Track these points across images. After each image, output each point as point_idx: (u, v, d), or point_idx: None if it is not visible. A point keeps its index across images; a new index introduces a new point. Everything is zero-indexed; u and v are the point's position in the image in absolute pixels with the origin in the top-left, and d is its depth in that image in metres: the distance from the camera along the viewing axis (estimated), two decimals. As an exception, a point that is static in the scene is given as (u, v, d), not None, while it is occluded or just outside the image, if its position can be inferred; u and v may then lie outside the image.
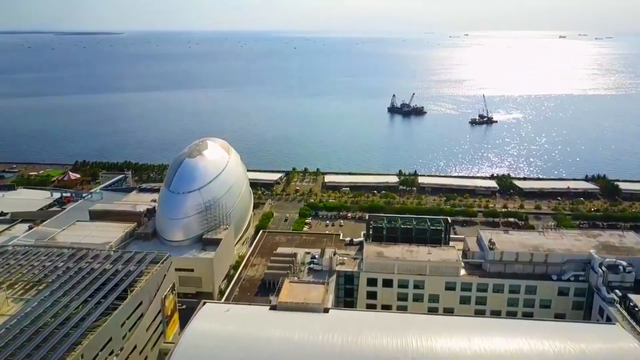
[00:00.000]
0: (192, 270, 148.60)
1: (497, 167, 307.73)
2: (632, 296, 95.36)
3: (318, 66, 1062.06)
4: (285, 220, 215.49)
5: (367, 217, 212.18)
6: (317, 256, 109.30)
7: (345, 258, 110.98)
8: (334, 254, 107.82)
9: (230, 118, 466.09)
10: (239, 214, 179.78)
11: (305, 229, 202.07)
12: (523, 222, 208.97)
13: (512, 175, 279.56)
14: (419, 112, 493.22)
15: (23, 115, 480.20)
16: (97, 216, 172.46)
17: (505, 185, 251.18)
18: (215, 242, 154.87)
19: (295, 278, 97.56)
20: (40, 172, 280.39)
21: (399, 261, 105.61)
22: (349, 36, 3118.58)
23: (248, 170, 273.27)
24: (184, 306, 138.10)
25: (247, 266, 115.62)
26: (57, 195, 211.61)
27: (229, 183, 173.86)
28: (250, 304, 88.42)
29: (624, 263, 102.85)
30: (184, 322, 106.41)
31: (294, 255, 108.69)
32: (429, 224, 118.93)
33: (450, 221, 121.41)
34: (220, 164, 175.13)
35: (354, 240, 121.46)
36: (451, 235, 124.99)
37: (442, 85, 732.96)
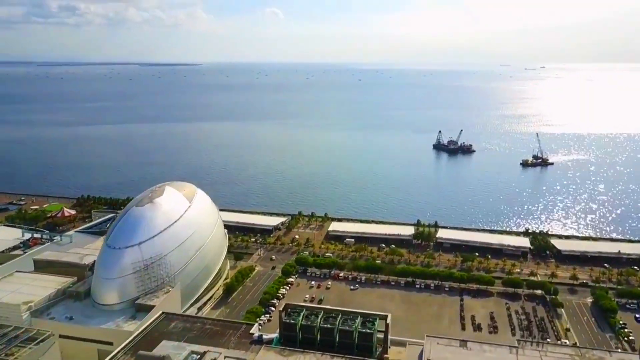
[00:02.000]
0: (111, 343, 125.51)
1: (535, 221, 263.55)
2: None
3: (375, 98, 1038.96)
4: (269, 276, 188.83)
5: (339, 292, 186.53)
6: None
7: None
8: (213, 363, 79.39)
9: (261, 152, 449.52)
10: (194, 272, 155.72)
11: (284, 291, 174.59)
12: (550, 297, 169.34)
13: (552, 231, 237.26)
14: (466, 150, 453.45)
15: (65, 144, 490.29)
16: (41, 266, 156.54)
17: (540, 245, 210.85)
18: (148, 309, 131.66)
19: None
20: (45, 205, 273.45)
21: (292, 383, 75.58)
22: (418, 68, 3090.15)
23: (247, 213, 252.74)
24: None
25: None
26: (28, 235, 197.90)
27: (182, 237, 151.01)
28: None
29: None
30: None
31: (163, 358, 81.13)
32: (357, 323, 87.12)
33: (389, 322, 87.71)
34: (173, 214, 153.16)
35: (265, 337, 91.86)
36: (399, 338, 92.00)
37: (501, 121, 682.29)
